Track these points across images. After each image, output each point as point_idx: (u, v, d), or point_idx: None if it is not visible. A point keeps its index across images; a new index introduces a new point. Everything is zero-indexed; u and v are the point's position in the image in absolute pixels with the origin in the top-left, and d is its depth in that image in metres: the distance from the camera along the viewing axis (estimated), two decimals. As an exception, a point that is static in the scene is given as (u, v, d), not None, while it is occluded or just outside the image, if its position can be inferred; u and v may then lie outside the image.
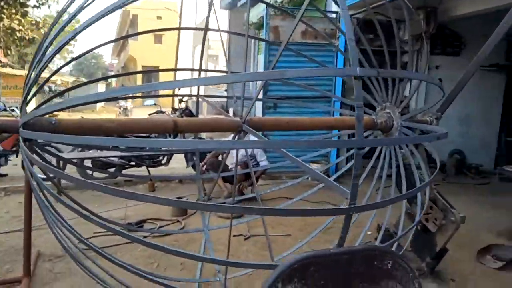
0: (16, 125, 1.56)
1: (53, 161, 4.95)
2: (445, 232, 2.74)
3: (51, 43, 1.65)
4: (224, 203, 4.23)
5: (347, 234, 1.29)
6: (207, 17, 2.82)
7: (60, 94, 2.53)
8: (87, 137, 1.67)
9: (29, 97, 1.66)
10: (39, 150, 2.10)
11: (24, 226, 2.74)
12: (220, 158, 5.00)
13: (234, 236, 3.62)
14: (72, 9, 1.64)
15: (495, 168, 6.87)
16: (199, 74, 2.85)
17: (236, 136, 2.01)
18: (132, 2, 1.55)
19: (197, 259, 1.36)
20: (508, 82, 7.12)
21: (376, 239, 3.01)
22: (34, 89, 1.68)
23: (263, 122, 1.99)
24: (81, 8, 1.62)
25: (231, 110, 9.24)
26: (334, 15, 5.95)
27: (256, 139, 1.75)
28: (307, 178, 5.64)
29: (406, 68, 6.13)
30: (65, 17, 1.66)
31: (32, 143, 1.81)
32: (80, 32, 1.55)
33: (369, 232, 3.22)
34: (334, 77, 5.88)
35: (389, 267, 0.96)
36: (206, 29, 2.76)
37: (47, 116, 1.61)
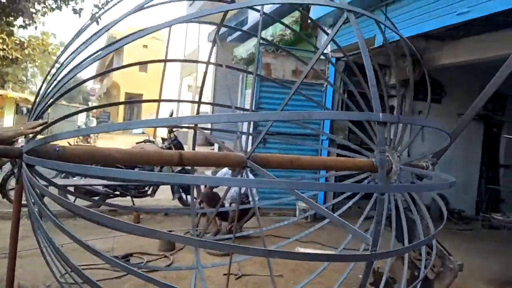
0: (17, 151, 1.54)
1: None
2: (442, 280, 2.75)
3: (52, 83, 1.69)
4: (218, 239, 4.16)
5: (343, 280, 1.29)
6: (210, 52, 2.89)
7: (53, 123, 2.51)
8: (98, 167, 1.65)
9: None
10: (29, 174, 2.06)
11: (8, 258, 2.60)
12: (215, 190, 4.95)
13: (225, 275, 3.54)
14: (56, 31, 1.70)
15: (476, 214, 7.04)
16: (198, 108, 2.86)
17: (236, 173, 2.02)
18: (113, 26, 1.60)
19: None
20: (486, 131, 7.46)
21: (371, 284, 3.01)
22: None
23: (268, 159, 2.00)
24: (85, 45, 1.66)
25: (216, 145, 9.23)
26: (323, 57, 6.17)
27: (252, 176, 1.75)
28: (307, 218, 5.63)
29: (394, 111, 6.36)
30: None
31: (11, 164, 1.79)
32: (78, 73, 1.60)
33: (360, 275, 3.21)
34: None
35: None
36: (208, 63, 2.80)
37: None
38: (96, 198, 5.71)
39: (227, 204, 4.63)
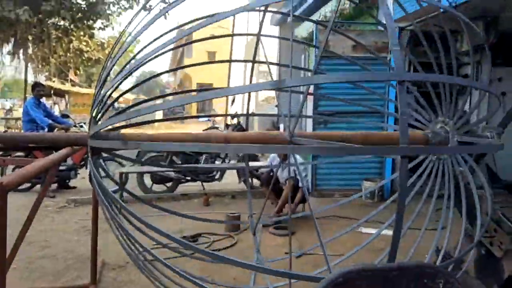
0: (86, 138, 1.74)
1: (116, 175, 5.31)
2: (512, 259, 2.56)
3: (114, 64, 1.82)
4: (278, 222, 4.28)
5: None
6: (260, 28, 2.92)
7: (125, 110, 2.74)
8: (152, 143, 1.82)
9: (95, 114, 1.82)
10: (104, 165, 2.28)
11: (91, 236, 2.97)
12: (272, 173, 5.07)
13: (286, 253, 3.65)
14: (133, 30, 1.81)
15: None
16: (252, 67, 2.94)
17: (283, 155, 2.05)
18: (193, 31, 1.66)
19: (250, 267, 1.42)
20: None
21: (435, 262, 2.89)
22: (99, 107, 1.86)
23: (312, 136, 2.02)
24: (140, 33, 1.78)
25: (281, 127, 9.31)
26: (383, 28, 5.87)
27: (300, 159, 1.76)
28: (361, 197, 5.53)
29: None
30: (127, 38, 1.84)
31: (98, 156, 1.99)
32: (143, 64, 1.71)
33: (426, 255, 3.08)
34: (387, 92, 5.75)
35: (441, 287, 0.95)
36: (258, 35, 2.84)
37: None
38: (170, 183, 6.16)
39: (284, 187, 4.73)
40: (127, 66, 1.79)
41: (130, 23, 1.99)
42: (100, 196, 1.75)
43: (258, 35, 2.76)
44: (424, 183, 2.39)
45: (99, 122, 1.79)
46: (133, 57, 2.05)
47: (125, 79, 1.79)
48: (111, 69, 1.76)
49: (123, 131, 1.98)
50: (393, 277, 0.95)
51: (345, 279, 0.91)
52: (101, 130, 1.75)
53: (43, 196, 1.66)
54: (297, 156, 4.74)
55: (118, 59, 1.74)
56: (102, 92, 1.69)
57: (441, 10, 4.74)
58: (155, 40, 1.90)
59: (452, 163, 2.31)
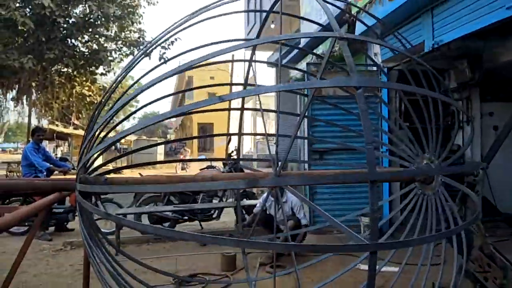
0: (73, 183, 1.80)
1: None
2: (506, 293, 2.55)
3: (101, 109, 1.91)
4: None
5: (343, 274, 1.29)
6: (243, 101, 3.06)
7: (125, 155, 2.81)
8: (133, 186, 1.87)
9: (87, 157, 1.86)
10: (102, 205, 2.31)
11: (83, 281, 2.95)
12: (268, 212, 5.07)
13: (281, 292, 3.60)
14: (133, 74, 1.92)
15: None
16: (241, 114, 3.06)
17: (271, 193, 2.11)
18: (188, 68, 1.74)
19: None
20: None
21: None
22: (96, 149, 1.91)
23: (297, 175, 2.09)
24: (141, 76, 1.89)
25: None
26: (375, 68, 6.08)
27: (292, 199, 1.81)
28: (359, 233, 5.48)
29: (456, 117, 5.96)
30: (129, 81, 1.95)
31: (95, 198, 2.03)
32: (137, 95, 1.78)
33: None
34: (380, 127, 5.86)
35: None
36: (242, 109, 2.99)
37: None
38: (167, 223, 6.14)
39: (281, 226, 4.69)
40: (117, 104, 1.87)
41: (127, 69, 2.12)
42: (86, 246, 1.76)
43: (245, 84, 2.91)
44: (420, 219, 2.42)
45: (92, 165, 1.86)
46: (124, 93, 2.15)
47: (114, 114, 1.86)
48: (99, 114, 1.85)
49: (112, 175, 2.06)
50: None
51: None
52: (92, 175, 1.82)
53: (30, 241, 1.70)
54: (292, 196, 4.77)
55: (105, 104, 1.83)
56: (88, 135, 1.77)
57: (429, 49, 4.87)
58: (145, 75, 2.00)
59: (440, 199, 2.35)
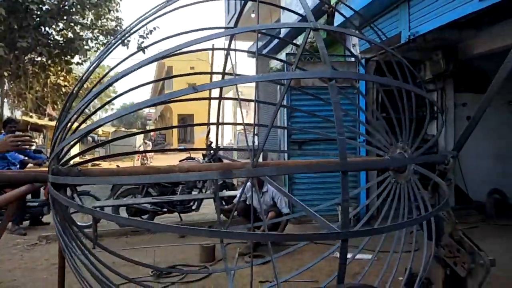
0: (45, 174, 1.74)
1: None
2: (475, 277, 2.63)
3: (73, 99, 1.85)
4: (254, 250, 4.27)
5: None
6: (220, 91, 3.04)
7: (102, 145, 2.75)
8: (107, 177, 1.83)
9: (60, 147, 1.80)
10: (78, 198, 2.24)
11: (58, 274, 2.90)
12: (248, 202, 5.08)
13: (260, 282, 3.63)
14: (109, 64, 1.87)
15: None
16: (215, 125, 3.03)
17: (251, 183, 2.11)
18: (165, 56, 1.70)
19: None
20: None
21: (405, 285, 2.94)
22: (70, 138, 1.86)
23: (274, 165, 2.09)
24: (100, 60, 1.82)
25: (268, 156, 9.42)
26: (353, 59, 6.13)
27: (272, 187, 1.83)
28: (350, 222, 5.56)
29: (432, 107, 6.08)
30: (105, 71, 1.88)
31: (70, 190, 1.98)
32: (112, 83, 1.73)
33: (400, 278, 3.11)
34: (358, 117, 5.94)
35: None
36: (220, 98, 2.98)
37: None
38: (146, 216, 6.09)
39: (261, 216, 4.71)
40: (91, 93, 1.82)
41: (100, 57, 2.05)
42: (59, 239, 1.72)
43: (223, 74, 2.88)
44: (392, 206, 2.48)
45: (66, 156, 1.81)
46: (98, 81, 2.10)
47: (85, 106, 1.81)
48: (71, 104, 1.80)
49: (89, 166, 2.02)
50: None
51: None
52: (65, 166, 1.77)
53: (2, 231, 1.65)
54: (271, 188, 4.80)
55: (77, 93, 1.78)
56: (61, 125, 1.72)
57: (406, 40, 4.92)
58: (121, 63, 1.96)
59: (412, 187, 2.41)
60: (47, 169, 1.80)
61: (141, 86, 2.50)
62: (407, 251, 2.52)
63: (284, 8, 3.19)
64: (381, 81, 1.65)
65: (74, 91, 1.97)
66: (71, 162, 1.93)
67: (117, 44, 1.99)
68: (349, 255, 4.05)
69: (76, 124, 1.87)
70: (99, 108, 2.57)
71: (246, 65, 29.85)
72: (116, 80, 1.66)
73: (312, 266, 2.81)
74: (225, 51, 2.86)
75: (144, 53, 11.42)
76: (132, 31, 2.08)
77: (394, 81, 1.98)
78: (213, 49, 3.70)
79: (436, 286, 2.80)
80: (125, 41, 13.34)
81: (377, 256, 3.71)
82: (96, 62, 1.94)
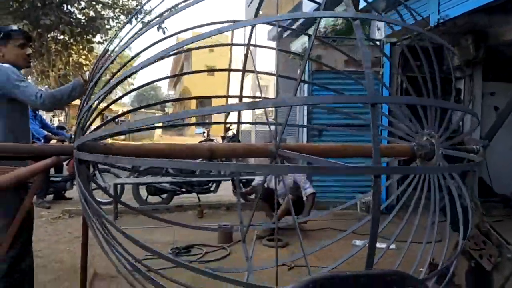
0: (71, 148, 1.75)
1: (111, 187, 5.33)
2: (502, 271, 2.57)
3: (101, 72, 1.84)
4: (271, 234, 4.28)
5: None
6: (245, 55, 2.97)
7: (114, 118, 2.73)
8: (138, 158, 1.83)
9: (83, 123, 1.82)
10: (99, 175, 2.26)
11: (81, 246, 2.97)
12: (268, 185, 5.07)
13: (278, 266, 3.64)
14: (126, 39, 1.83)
15: None
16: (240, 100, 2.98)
17: (273, 163, 2.08)
18: (187, 44, 1.67)
19: (238, 283, 1.42)
20: None
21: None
22: (93, 117, 1.87)
23: (297, 149, 2.05)
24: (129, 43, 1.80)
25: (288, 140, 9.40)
26: (378, 43, 5.97)
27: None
28: (368, 210, 5.50)
29: (460, 94, 5.90)
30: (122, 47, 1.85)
31: (92, 167, 1.99)
32: (137, 71, 1.73)
33: (421, 269, 3.06)
34: (380, 105, 5.81)
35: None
36: (248, 45, 2.88)
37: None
38: (165, 195, 6.17)
39: (281, 200, 4.70)
40: (118, 75, 1.81)
41: (117, 34, 2.03)
42: (85, 210, 1.75)
43: (248, 45, 2.81)
44: (417, 196, 2.42)
45: (87, 132, 1.81)
46: (122, 67, 2.08)
47: (114, 87, 1.81)
48: (98, 78, 1.79)
49: (114, 139, 2.02)
50: (362, 284, 0.97)
51: (315, 286, 0.93)
52: (89, 140, 1.78)
53: (29, 202, 1.68)
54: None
55: (106, 68, 1.77)
56: (88, 101, 1.72)
57: (435, 23, 4.74)
58: (147, 48, 1.93)
59: (438, 177, 2.34)
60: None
61: (163, 79, 2.48)
62: (429, 242, 2.47)
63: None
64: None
65: (98, 75, 1.94)
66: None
67: (149, 27, 1.94)
68: (358, 242, 4.00)
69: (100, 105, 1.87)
70: (123, 95, 2.56)
71: (264, 50, 29.48)
72: (140, 69, 1.65)
73: (324, 247, 2.74)
74: (247, 41, 2.78)
75: (164, 33, 11.41)
76: (164, 17, 2.02)
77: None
78: (231, 44, 3.64)
79: (458, 278, 2.75)
80: (146, 21, 13.30)
81: (397, 246, 3.69)
82: (125, 44, 1.90)
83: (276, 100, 1.45)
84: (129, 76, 1.71)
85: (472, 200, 2.43)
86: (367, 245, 1.28)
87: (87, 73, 2.84)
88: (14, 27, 2.77)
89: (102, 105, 1.98)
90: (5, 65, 2.54)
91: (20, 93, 2.49)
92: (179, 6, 1.75)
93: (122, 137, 17.35)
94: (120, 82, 1.80)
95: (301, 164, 5.86)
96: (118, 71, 2.08)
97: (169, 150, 2.01)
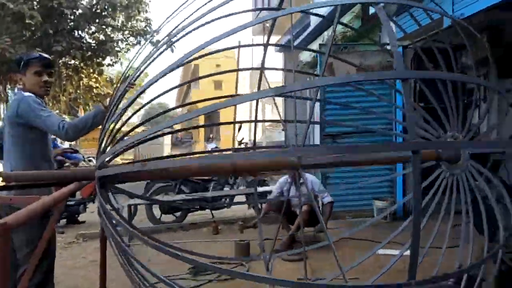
0: (93, 172, 1.71)
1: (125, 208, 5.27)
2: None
3: (121, 96, 1.81)
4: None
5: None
6: (263, 59, 2.91)
7: (123, 137, 2.69)
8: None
9: (104, 147, 1.79)
10: (113, 197, 2.20)
11: (100, 270, 2.89)
12: (283, 196, 4.95)
13: (299, 279, 3.51)
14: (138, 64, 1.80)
15: None
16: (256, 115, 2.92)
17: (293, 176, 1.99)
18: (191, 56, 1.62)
19: None
20: None
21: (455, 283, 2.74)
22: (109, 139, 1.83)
23: (319, 160, 1.97)
24: (147, 65, 1.77)
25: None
26: (389, 47, 5.88)
27: (311, 179, 1.71)
28: (386, 218, 5.34)
29: (473, 95, 5.69)
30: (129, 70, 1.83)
31: (107, 188, 1.93)
32: (148, 87, 1.68)
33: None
34: (394, 99, 5.66)
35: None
36: (262, 68, 2.83)
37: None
38: (179, 213, 6.09)
39: (297, 211, 4.58)
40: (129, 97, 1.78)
41: (135, 57, 1.98)
42: (108, 229, 1.69)
43: (262, 69, 2.74)
44: (439, 200, 2.29)
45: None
46: (141, 92, 2.04)
47: (128, 106, 1.77)
48: (119, 102, 1.75)
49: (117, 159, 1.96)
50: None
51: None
52: (109, 157, 1.73)
53: (51, 229, 1.63)
54: (310, 177, 4.67)
55: (125, 91, 1.74)
56: (109, 124, 1.69)
57: (448, 24, 4.61)
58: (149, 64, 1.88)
59: (466, 177, 2.21)
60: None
61: (171, 90, 2.43)
62: (452, 247, 2.32)
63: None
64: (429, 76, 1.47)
65: (117, 99, 1.90)
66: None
67: (164, 48, 1.88)
68: (389, 252, 3.86)
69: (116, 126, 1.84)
70: (134, 113, 2.52)
71: (274, 60, 29.67)
72: (149, 86, 1.62)
73: (357, 265, 2.63)
74: (262, 46, 2.72)
75: (172, 52, 11.53)
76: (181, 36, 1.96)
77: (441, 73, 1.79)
78: (239, 46, 3.61)
79: (487, 283, 2.58)
80: (154, 41, 13.45)
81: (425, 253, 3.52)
82: (143, 66, 1.85)
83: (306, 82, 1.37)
84: (140, 94, 1.67)
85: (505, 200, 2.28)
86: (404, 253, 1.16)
87: (108, 99, 2.82)
88: (35, 54, 2.70)
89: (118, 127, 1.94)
90: (26, 93, 2.52)
91: (42, 123, 2.46)
92: (188, 28, 1.71)
93: (131, 156, 17.45)
94: (133, 101, 1.75)
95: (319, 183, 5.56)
96: (126, 92, 2.04)
97: (189, 169, 1.94)
